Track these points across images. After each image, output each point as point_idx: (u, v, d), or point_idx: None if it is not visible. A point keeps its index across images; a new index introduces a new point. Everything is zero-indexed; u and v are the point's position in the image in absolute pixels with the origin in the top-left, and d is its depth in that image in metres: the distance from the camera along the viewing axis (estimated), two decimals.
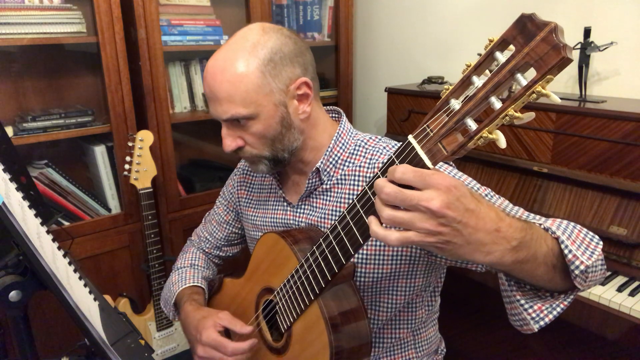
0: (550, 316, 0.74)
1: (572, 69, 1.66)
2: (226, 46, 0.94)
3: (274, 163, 0.99)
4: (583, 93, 1.63)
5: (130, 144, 1.81)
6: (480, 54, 0.59)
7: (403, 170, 0.59)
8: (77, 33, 1.76)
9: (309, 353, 0.88)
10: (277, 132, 0.94)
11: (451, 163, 0.97)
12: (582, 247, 0.73)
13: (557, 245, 0.72)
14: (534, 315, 0.74)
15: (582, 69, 1.62)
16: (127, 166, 1.80)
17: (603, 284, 1.35)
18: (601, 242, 0.77)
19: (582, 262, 0.70)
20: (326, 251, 0.79)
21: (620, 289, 1.33)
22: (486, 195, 0.89)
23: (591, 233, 0.78)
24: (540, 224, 0.75)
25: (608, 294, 1.31)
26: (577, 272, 0.70)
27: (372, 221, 0.64)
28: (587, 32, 1.58)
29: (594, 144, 1.48)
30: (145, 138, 1.80)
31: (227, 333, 1.06)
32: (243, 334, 0.98)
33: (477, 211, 0.59)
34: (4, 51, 1.81)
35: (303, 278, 0.86)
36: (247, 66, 0.90)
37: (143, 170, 1.81)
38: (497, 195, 0.90)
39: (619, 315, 1.28)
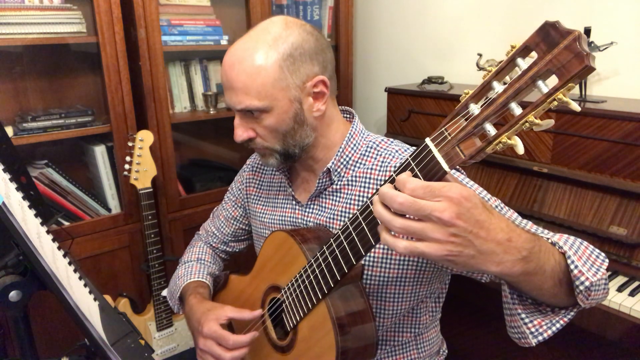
0: (550, 331, 0.74)
1: None
2: (247, 36, 0.93)
3: (284, 157, 0.99)
4: (583, 93, 1.63)
5: (130, 144, 1.81)
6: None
7: (412, 188, 0.59)
8: (77, 33, 1.76)
9: (314, 352, 0.88)
10: (290, 127, 0.94)
11: (462, 171, 0.98)
12: (588, 263, 0.73)
13: (564, 260, 0.72)
14: (533, 329, 0.74)
15: None
16: (127, 166, 1.80)
17: None
18: (607, 260, 0.77)
19: (587, 279, 0.70)
20: (336, 251, 0.79)
21: (620, 289, 1.33)
22: (496, 206, 0.89)
23: (597, 250, 0.78)
24: (548, 239, 0.75)
25: (608, 294, 1.31)
26: (581, 287, 0.70)
27: (382, 228, 0.64)
28: (587, 32, 1.58)
29: (594, 144, 1.47)
30: (145, 138, 1.80)
31: (229, 328, 1.06)
32: (254, 318, 0.99)
33: (488, 222, 0.60)
34: (4, 51, 1.81)
35: (312, 277, 0.86)
36: (266, 59, 0.89)
37: (143, 170, 1.81)
38: (506, 207, 0.90)
39: (619, 315, 1.28)
